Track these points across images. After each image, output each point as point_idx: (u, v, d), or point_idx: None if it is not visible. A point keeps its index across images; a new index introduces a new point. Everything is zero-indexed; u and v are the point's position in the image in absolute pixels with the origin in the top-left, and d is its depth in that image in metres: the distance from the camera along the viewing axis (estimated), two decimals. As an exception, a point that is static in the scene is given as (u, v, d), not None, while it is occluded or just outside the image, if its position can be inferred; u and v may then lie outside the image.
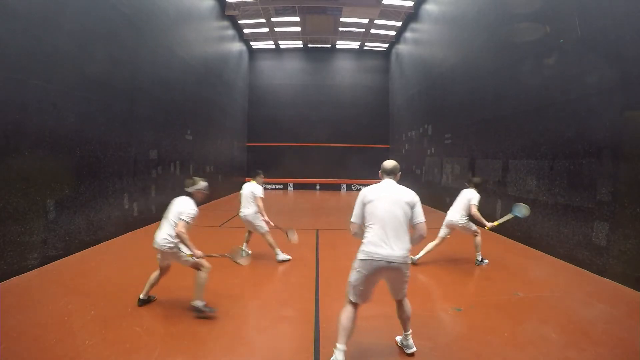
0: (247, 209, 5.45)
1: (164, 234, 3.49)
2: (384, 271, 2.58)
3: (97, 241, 6.13)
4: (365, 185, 16.58)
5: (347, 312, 2.64)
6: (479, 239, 5.32)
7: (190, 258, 3.43)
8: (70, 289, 4.08)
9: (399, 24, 16.47)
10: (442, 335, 3.20)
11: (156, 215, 8.48)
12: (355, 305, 2.66)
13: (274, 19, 16.63)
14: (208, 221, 8.55)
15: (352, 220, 2.72)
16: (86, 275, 4.61)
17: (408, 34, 16.17)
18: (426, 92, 13.40)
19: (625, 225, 4.47)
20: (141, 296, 3.67)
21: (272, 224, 5.36)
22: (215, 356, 2.78)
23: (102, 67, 6.37)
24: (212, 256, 3.66)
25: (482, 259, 5.35)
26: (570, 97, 5.59)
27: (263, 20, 16.63)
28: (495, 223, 4.91)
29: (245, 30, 17.74)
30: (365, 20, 16.47)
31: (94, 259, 5.37)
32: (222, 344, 2.96)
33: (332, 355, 2.56)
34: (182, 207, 3.50)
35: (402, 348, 2.87)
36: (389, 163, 2.88)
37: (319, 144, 19.97)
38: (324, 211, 12.18)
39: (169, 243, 3.45)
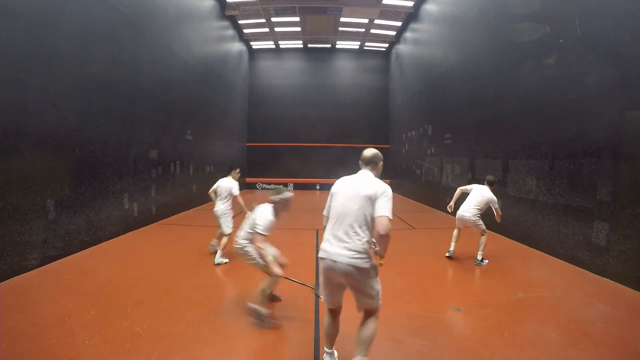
0: (221, 205, 5.47)
1: (240, 235, 3.54)
2: (334, 272, 2.33)
3: (97, 241, 6.13)
4: (365, 185, 16.15)
5: (325, 316, 2.55)
6: (484, 238, 5.37)
7: (259, 261, 3.35)
8: (70, 289, 4.08)
9: (399, 24, 16.47)
10: (442, 335, 3.20)
11: (156, 215, 8.51)
12: (328, 309, 2.53)
13: (274, 19, 16.63)
14: (208, 221, 8.55)
15: (323, 212, 2.57)
16: (86, 275, 4.61)
17: (408, 34, 16.17)
18: (426, 92, 13.40)
19: (625, 225, 4.47)
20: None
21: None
22: (215, 356, 2.78)
23: (102, 67, 6.37)
24: (292, 280, 3.56)
25: (482, 258, 5.37)
26: (570, 97, 5.59)
27: (263, 20, 16.63)
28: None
29: (245, 30, 17.74)
30: (365, 20, 16.47)
31: (94, 259, 5.38)
32: (222, 344, 2.96)
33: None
34: (258, 218, 3.25)
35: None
36: (368, 152, 2.57)
37: (319, 144, 19.97)
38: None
39: (238, 245, 3.52)
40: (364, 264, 2.27)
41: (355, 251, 2.27)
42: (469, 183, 6.38)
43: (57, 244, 5.14)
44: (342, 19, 16.02)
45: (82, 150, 5.76)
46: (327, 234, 2.39)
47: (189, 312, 3.53)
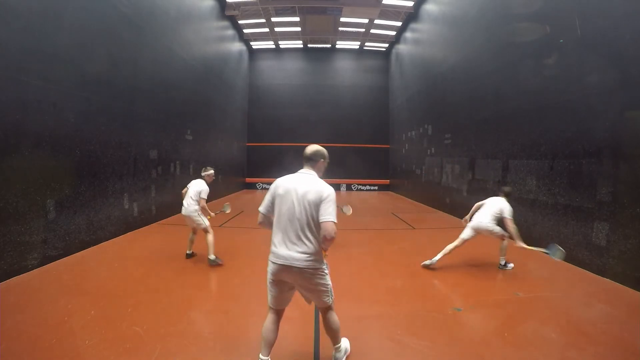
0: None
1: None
2: (286, 275, 2.35)
3: (97, 241, 6.13)
4: (365, 185, 16.65)
5: (266, 320, 2.49)
6: (505, 242, 5.15)
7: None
8: (70, 289, 4.08)
9: (399, 24, 16.47)
10: (442, 335, 3.20)
11: (156, 216, 8.51)
12: (274, 311, 2.49)
13: (274, 19, 16.63)
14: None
15: (259, 208, 2.50)
16: (86, 275, 4.61)
17: (408, 34, 16.17)
18: (426, 92, 13.40)
19: (625, 225, 4.47)
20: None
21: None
22: (215, 356, 2.78)
23: (102, 67, 6.37)
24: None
25: (505, 262, 5.19)
26: (571, 97, 5.59)
27: (263, 20, 16.63)
28: (526, 246, 4.65)
29: (245, 30, 17.74)
30: (365, 20, 16.47)
31: (94, 259, 5.37)
32: (222, 344, 2.96)
33: None
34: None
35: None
36: (309, 149, 2.53)
37: (319, 144, 19.91)
38: (324, 211, 12.14)
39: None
40: (317, 264, 2.36)
41: (308, 254, 2.32)
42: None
43: (57, 244, 5.14)
44: (342, 19, 16.02)
45: (82, 150, 5.76)
46: (275, 239, 2.38)
47: (189, 312, 3.53)
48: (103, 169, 6.34)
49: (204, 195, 5.14)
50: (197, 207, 5.14)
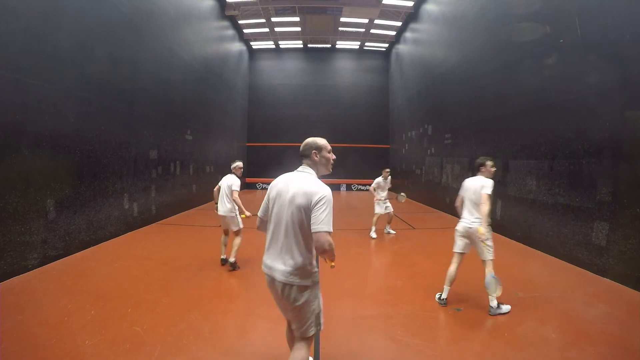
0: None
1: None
2: (271, 287, 2.05)
3: (97, 241, 6.13)
4: (365, 185, 16.64)
5: (286, 329, 2.26)
6: (489, 267, 3.71)
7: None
8: (70, 289, 4.08)
9: (399, 24, 16.47)
10: (442, 335, 3.20)
11: (156, 215, 8.51)
12: (288, 325, 2.24)
13: (274, 19, 16.63)
14: (208, 221, 8.55)
15: (258, 213, 2.22)
16: (86, 275, 4.61)
17: (408, 34, 16.17)
18: (426, 92, 13.40)
19: (625, 225, 4.47)
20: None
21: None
22: (215, 356, 2.78)
23: (102, 67, 6.37)
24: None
25: (498, 303, 3.61)
26: (570, 97, 5.59)
27: (263, 20, 16.63)
28: (485, 239, 3.70)
29: (245, 30, 17.74)
30: (365, 20, 16.47)
31: (94, 259, 5.37)
32: (222, 344, 2.96)
33: None
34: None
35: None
36: (304, 142, 2.20)
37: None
38: (324, 211, 12.14)
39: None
40: (303, 281, 1.97)
41: (292, 268, 1.95)
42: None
43: (57, 244, 5.14)
44: (342, 19, 16.02)
45: (82, 150, 5.76)
46: (266, 244, 2.09)
47: (189, 312, 3.53)
48: (103, 169, 6.34)
49: (236, 188, 4.98)
50: (231, 205, 5.03)
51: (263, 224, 2.18)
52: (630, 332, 3.20)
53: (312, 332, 2.04)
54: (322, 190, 1.95)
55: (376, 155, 20.02)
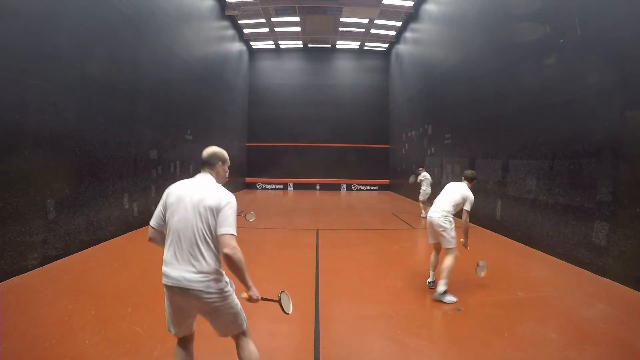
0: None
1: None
2: (181, 299, 1.96)
3: (97, 241, 6.13)
4: (365, 185, 16.60)
5: (177, 349, 2.16)
6: (450, 260, 3.93)
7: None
8: (70, 289, 4.08)
9: (399, 24, 16.48)
10: (442, 335, 3.20)
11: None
12: (180, 339, 2.14)
13: (274, 19, 16.63)
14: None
15: (150, 222, 2.10)
16: (86, 275, 4.61)
17: (408, 34, 16.18)
18: (426, 92, 13.40)
19: (625, 225, 4.47)
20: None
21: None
22: (215, 356, 2.78)
23: (102, 67, 6.37)
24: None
25: (445, 290, 3.81)
26: (570, 97, 5.59)
27: (263, 20, 16.64)
28: (468, 248, 4.09)
29: (245, 30, 17.75)
30: (365, 20, 16.48)
31: (94, 259, 5.37)
32: (222, 344, 2.95)
33: None
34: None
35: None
36: (207, 151, 2.17)
37: (319, 144, 19.98)
38: (324, 211, 12.18)
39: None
40: (217, 284, 1.97)
41: (205, 273, 1.92)
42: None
43: (57, 244, 5.14)
44: (342, 19, 16.03)
45: (82, 150, 5.76)
46: (167, 256, 1.98)
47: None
48: (103, 169, 6.34)
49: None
50: None
51: (158, 235, 2.09)
52: (630, 332, 3.20)
53: (244, 325, 2.10)
54: (228, 196, 2.01)
55: (376, 155, 20.04)
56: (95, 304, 3.62)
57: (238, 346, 2.11)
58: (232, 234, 1.92)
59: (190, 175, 2.21)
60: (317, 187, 19.85)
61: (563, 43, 5.76)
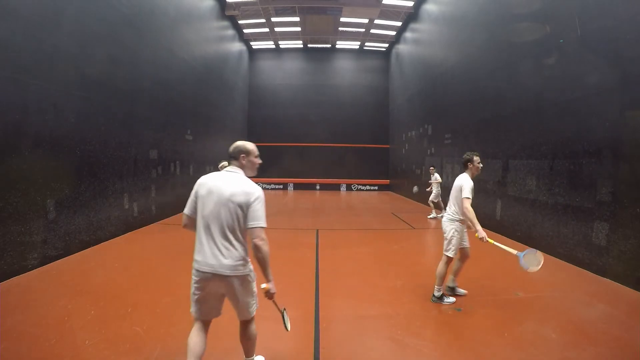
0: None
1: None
2: (215, 284, 2.17)
3: (97, 241, 6.13)
4: (365, 185, 16.57)
5: (192, 331, 2.27)
6: (441, 266, 3.86)
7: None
8: (70, 289, 4.08)
9: (399, 24, 16.47)
10: (442, 335, 3.20)
11: (156, 215, 8.51)
12: (200, 322, 2.28)
13: (274, 19, 16.63)
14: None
15: (185, 211, 2.28)
16: (86, 275, 4.61)
17: (408, 34, 16.17)
18: (426, 92, 13.40)
19: (625, 225, 4.47)
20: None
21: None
22: (215, 356, 2.78)
23: (102, 67, 6.37)
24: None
25: (442, 294, 3.86)
26: (570, 97, 5.58)
27: (263, 20, 16.64)
28: (492, 242, 3.59)
29: (245, 30, 17.74)
30: (365, 20, 16.47)
31: (94, 259, 5.37)
32: (222, 344, 2.96)
33: None
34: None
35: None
36: (232, 145, 2.29)
37: (319, 144, 19.98)
38: (324, 211, 12.18)
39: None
40: (245, 270, 2.20)
41: (235, 260, 2.14)
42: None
43: (57, 244, 5.14)
44: (342, 19, 16.02)
45: (82, 150, 5.76)
46: (199, 245, 2.17)
47: (189, 312, 3.51)
48: (103, 169, 6.34)
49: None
50: None
51: (192, 222, 2.26)
52: (630, 332, 3.20)
53: (254, 311, 2.34)
54: (258, 190, 2.18)
55: (376, 155, 20.03)
56: (95, 304, 3.62)
57: (244, 328, 2.36)
58: (262, 227, 2.14)
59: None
60: (317, 187, 19.85)
61: (563, 43, 5.76)
